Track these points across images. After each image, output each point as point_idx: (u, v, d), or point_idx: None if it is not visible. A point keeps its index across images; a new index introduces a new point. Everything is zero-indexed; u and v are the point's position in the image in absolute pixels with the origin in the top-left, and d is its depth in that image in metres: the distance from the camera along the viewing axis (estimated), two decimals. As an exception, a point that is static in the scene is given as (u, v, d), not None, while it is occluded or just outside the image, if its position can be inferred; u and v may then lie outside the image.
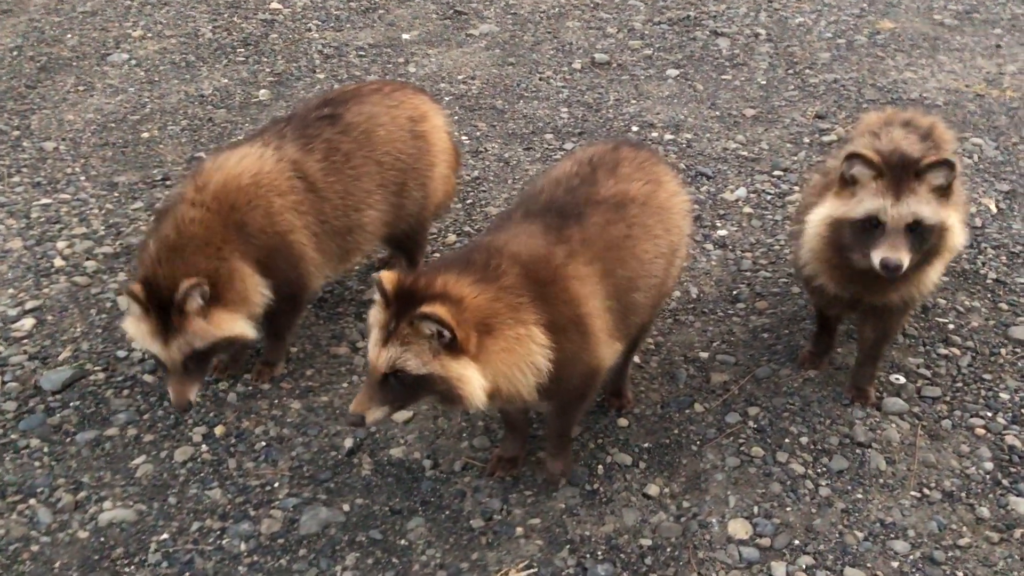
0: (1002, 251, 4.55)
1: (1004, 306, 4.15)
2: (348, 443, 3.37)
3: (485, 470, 3.33)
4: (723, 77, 6.60)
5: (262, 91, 6.37)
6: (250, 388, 3.62)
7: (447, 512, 3.11)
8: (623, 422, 3.50)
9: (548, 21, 7.56)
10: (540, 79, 6.57)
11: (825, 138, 5.69)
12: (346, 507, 3.12)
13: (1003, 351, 3.87)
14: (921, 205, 3.10)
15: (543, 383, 2.85)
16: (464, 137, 5.80)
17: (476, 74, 6.64)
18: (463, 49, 7.07)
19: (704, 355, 3.88)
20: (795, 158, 5.51)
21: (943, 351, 3.87)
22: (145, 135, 5.78)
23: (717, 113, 6.09)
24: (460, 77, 6.60)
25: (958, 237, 3.21)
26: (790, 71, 6.63)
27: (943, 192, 3.14)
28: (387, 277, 2.75)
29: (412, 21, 7.55)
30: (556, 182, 3.25)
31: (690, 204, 3.62)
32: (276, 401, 3.57)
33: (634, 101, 6.26)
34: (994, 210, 4.94)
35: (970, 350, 3.88)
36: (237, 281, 3.32)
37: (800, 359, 3.82)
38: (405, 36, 7.33)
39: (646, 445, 3.42)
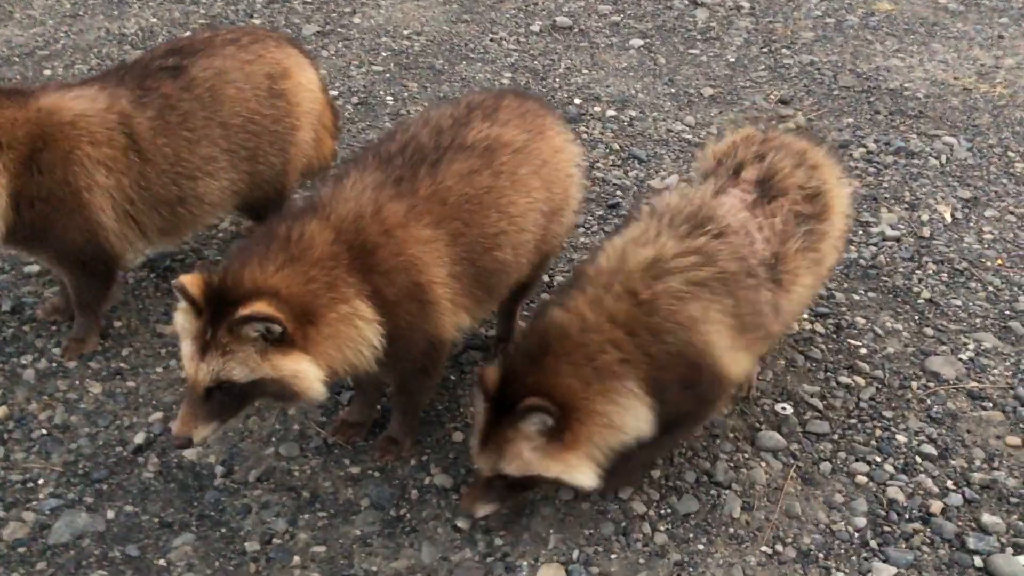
0: (944, 267, 4.04)
1: (929, 332, 3.66)
2: (139, 439, 2.97)
3: (328, 433, 3.05)
4: (690, 51, 6.08)
5: (187, 34, 5.91)
6: (54, 365, 3.22)
7: (223, 530, 2.72)
8: (458, 436, 3.07)
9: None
10: (491, 40, 6.09)
11: (782, 125, 5.15)
12: (111, 514, 2.74)
13: (914, 384, 3.40)
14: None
15: (380, 356, 2.56)
16: (389, 97, 5.35)
17: (424, 30, 6.16)
18: (417, 2, 6.57)
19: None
20: (743, 145, 4.99)
21: (845, 379, 3.40)
22: (47, 72, 5.37)
23: (672, 90, 5.58)
24: (406, 32, 6.13)
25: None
26: (765, 49, 6.08)
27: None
28: (190, 281, 2.40)
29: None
30: (425, 123, 2.91)
31: (579, 162, 3.23)
32: (76, 382, 3.19)
33: (586, 71, 5.76)
34: (948, 219, 4.42)
35: (877, 381, 3.41)
36: None
37: None
38: (358, -16, 6.82)
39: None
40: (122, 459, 2.95)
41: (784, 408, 3.28)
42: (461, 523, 2.75)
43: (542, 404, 2.40)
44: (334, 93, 5.38)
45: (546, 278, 3.79)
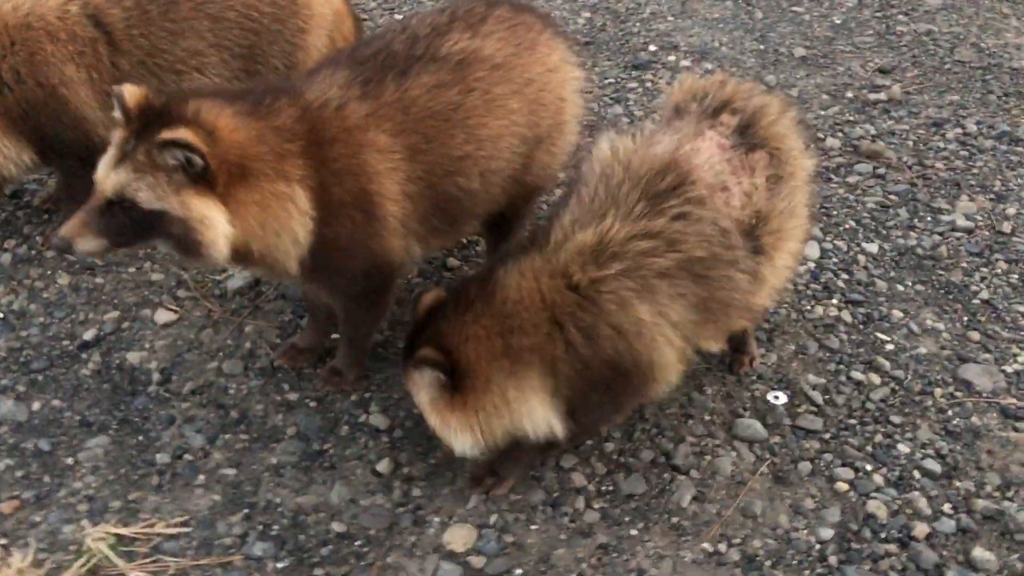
0: (1018, 268, 3.55)
1: (975, 336, 3.21)
2: (88, 335, 2.91)
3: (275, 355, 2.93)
4: (794, 8, 5.59)
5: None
6: (33, 252, 3.20)
7: (140, 438, 2.64)
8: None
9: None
10: (582, -22, 5.75)
11: (873, 96, 4.67)
12: (36, 406, 2.69)
13: (938, 392, 2.98)
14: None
15: (307, 260, 2.40)
16: (454, 27, 5.10)
17: (514, -38, 5.86)
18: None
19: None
20: (822, 113, 4.54)
21: (859, 375, 3.02)
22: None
23: (762, 47, 5.13)
24: (493, -37, 5.84)
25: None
26: (879, 13, 5.52)
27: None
28: (129, 91, 2.30)
29: None
30: (403, 29, 2.71)
31: (579, 86, 2.98)
32: (48, 272, 3.16)
33: (672, 18, 5.38)
34: (1035, 218, 3.87)
35: (895, 381, 3.01)
36: None
37: None
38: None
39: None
40: (65, 353, 2.90)
41: (777, 397, 2.93)
42: (381, 467, 2.56)
43: (435, 359, 2.23)
44: (399, 16, 5.19)
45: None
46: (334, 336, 3.00)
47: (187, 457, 2.61)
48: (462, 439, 2.29)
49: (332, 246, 2.46)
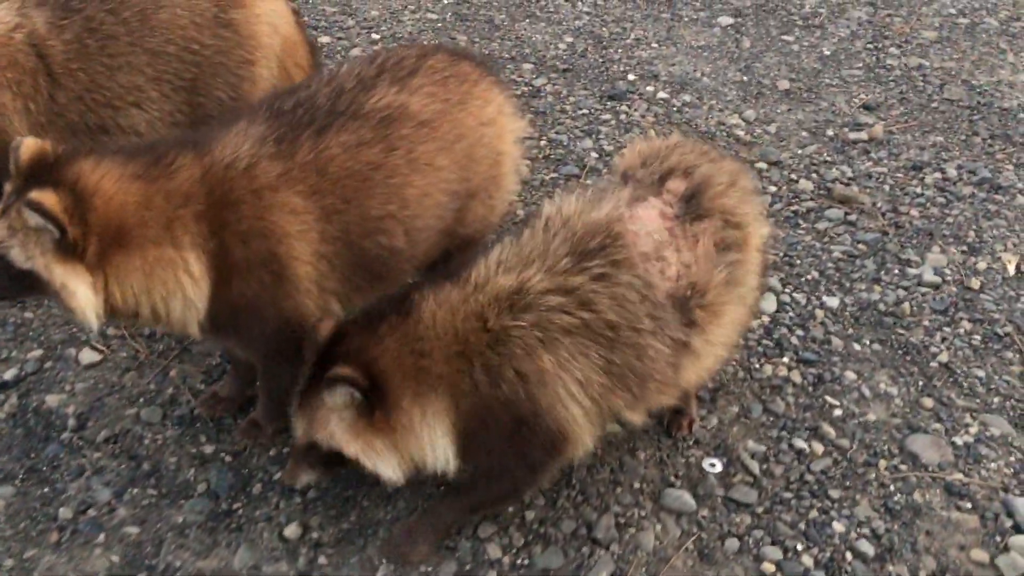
0: (982, 328, 3.42)
1: (928, 403, 3.10)
2: (8, 375, 2.84)
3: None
4: (783, 37, 5.46)
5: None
6: None
7: (46, 489, 2.56)
8: (330, 432, 2.78)
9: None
10: None
11: (853, 135, 4.54)
12: (-57, 451, 2.61)
13: (883, 464, 2.87)
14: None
15: (210, 320, 2.35)
16: (431, 49, 5.00)
17: (500, -20, 5.77)
18: (505, -50, 6.17)
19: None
20: (798, 152, 4.42)
21: (801, 443, 2.91)
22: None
23: (745, 79, 5.01)
24: (481, -20, 5.75)
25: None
26: (870, 45, 5.39)
27: None
28: (28, 144, 2.24)
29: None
30: (329, 80, 2.63)
31: (518, 137, 2.90)
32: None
33: (656, 45, 5.26)
34: (1011, 271, 3.75)
35: (839, 451, 2.90)
36: None
37: None
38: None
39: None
40: (-18, 394, 2.82)
41: (713, 465, 2.83)
42: (289, 532, 2.48)
43: (351, 376, 2.09)
44: (376, 36, 5.11)
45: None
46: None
47: (91, 512, 2.54)
48: (388, 462, 2.21)
49: (239, 307, 2.40)
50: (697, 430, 2.94)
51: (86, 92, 3.07)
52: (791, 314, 3.45)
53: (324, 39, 5.01)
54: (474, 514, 2.54)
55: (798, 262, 3.71)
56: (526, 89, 4.74)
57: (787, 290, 3.56)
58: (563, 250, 2.25)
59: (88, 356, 3.00)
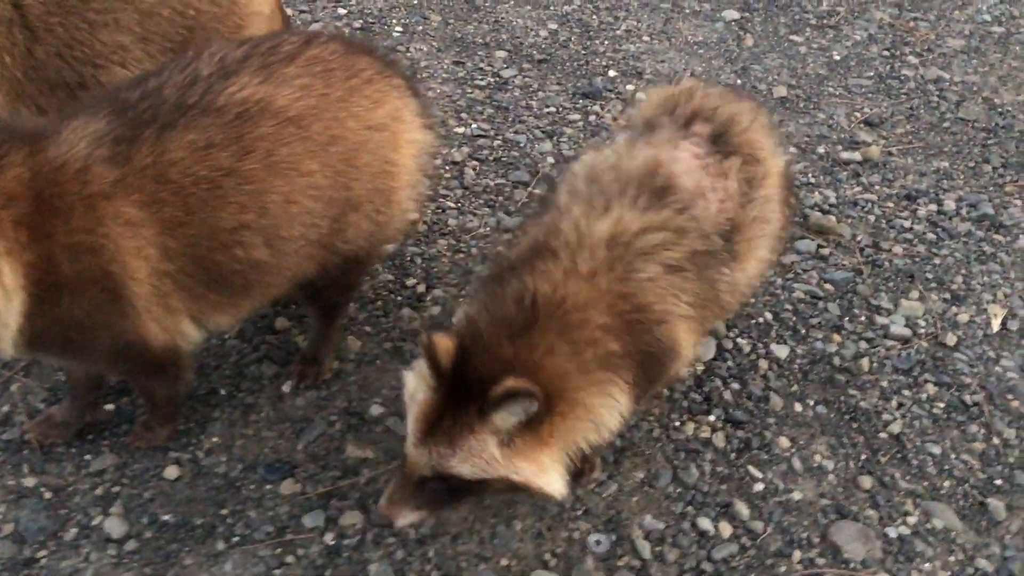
0: (947, 394, 3.01)
1: (866, 483, 2.74)
2: None
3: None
4: (792, 37, 4.99)
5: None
6: None
7: None
8: (171, 472, 2.48)
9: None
10: (562, -19, 5.22)
11: (846, 154, 4.10)
12: None
13: (796, 555, 2.56)
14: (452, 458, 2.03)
15: (31, 339, 2.11)
16: (399, 28, 4.67)
17: (492, -46, 5.35)
18: (505, -77, 5.74)
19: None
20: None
21: (706, 523, 2.59)
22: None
23: (739, 82, 4.57)
24: (470, -48, 5.34)
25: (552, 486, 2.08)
26: (887, 52, 4.90)
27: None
28: None
29: None
30: (185, 66, 2.31)
31: (419, 149, 2.58)
32: None
33: (648, 38, 4.83)
34: (995, 327, 3.32)
35: (749, 536, 2.57)
36: None
37: None
38: None
39: (166, 518, 2.41)
40: None
41: (599, 542, 2.48)
42: None
43: (528, 388, 1.89)
44: (343, 11, 4.75)
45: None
46: (108, 407, 2.62)
47: None
48: (557, 474, 2.05)
49: (70, 327, 2.15)
50: (598, 476, 2.58)
51: (66, 48, 2.83)
52: (730, 363, 3.07)
53: (288, 11, 4.65)
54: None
55: (752, 301, 3.30)
56: (492, 80, 4.36)
57: (731, 334, 3.17)
58: (631, 188, 2.23)
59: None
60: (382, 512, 2.10)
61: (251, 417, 2.72)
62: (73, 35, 2.86)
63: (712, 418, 2.87)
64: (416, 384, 2.04)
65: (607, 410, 2.08)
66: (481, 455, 1.96)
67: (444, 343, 1.95)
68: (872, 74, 4.75)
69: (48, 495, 2.45)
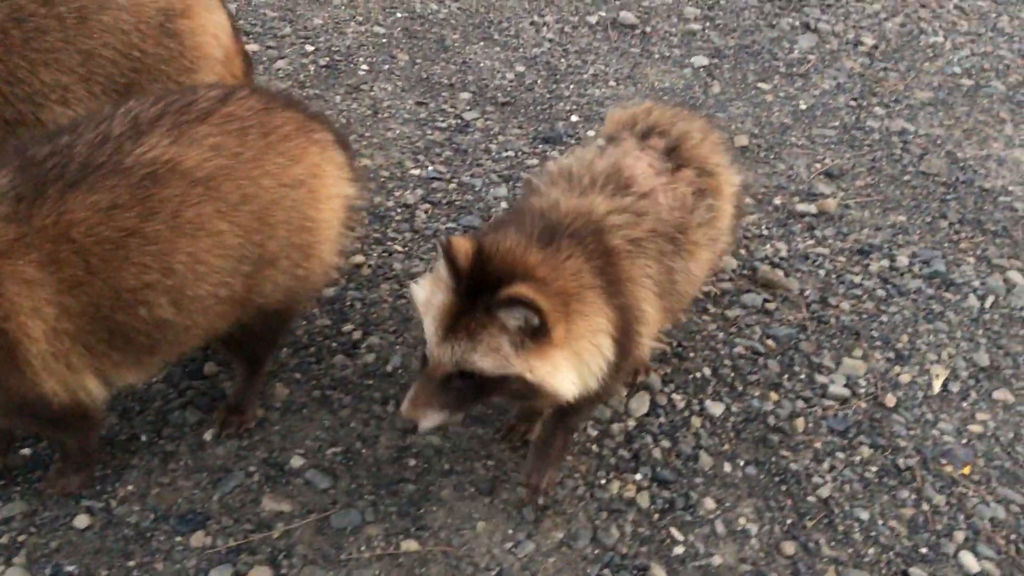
0: (881, 457, 3.00)
1: (789, 548, 2.70)
2: None
3: None
4: (759, 85, 5.00)
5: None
6: None
7: None
8: (82, 521, 2.47)
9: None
10: (532, 23, 5.27)
11: (802, 207, 4.09)
12: None
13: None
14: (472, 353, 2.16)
15: None
16: (364, 67, 4.69)
17: (466, -6, 5.39)
18: (481, -38, 5.80)
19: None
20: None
21: (621, 587, 2.51)
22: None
23: (701, 129, 4.53)
24: (441, -8, 5.37)
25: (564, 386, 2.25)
26: (853, 102, 4.91)
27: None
28: None
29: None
30: (98, 124, 2.33)
31: (343, 203, 2.63)
32: None
33: (614, 83, 4.85)
34: (936, 389, 3.30)
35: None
36: None
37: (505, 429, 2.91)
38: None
39: (70, 569, 2.39)
40: None
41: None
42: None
43: (529, 298, 2.06)
44: (310, 48, 4.78)
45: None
46: (24, 452, 2.61)
47: None
48: (568, 375, 2.21)
49: None
50: (505, 559, 2.55)
51: (5, 84, 2.86)
52: (662, 420, 3.05)
53: (253, 47, 4.69)
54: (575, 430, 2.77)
55: (691, 355, 3.29)
56: (454, 123, 4.37)
57: (667, 389, 3.16)
58: (599, 180, 2.51)
59: None
60: (405, 416, 2.17)
61: (169, 465, 2.70)
62: (13, 72, 2.89)
63: (639, 476, 2.85)
64: (431, 289, 2.18)
65: (598, 342, 2.26)
66: (499, 351, 2.10)
67: (463, 244, 2.11)
68: (837, 124, 4.76)
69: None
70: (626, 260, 2.41)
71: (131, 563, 2.47)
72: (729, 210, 2.85)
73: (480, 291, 2.09)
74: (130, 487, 2.65)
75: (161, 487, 2.66)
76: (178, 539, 2.54)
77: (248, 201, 2.31)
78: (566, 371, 2.20)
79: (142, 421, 2.83)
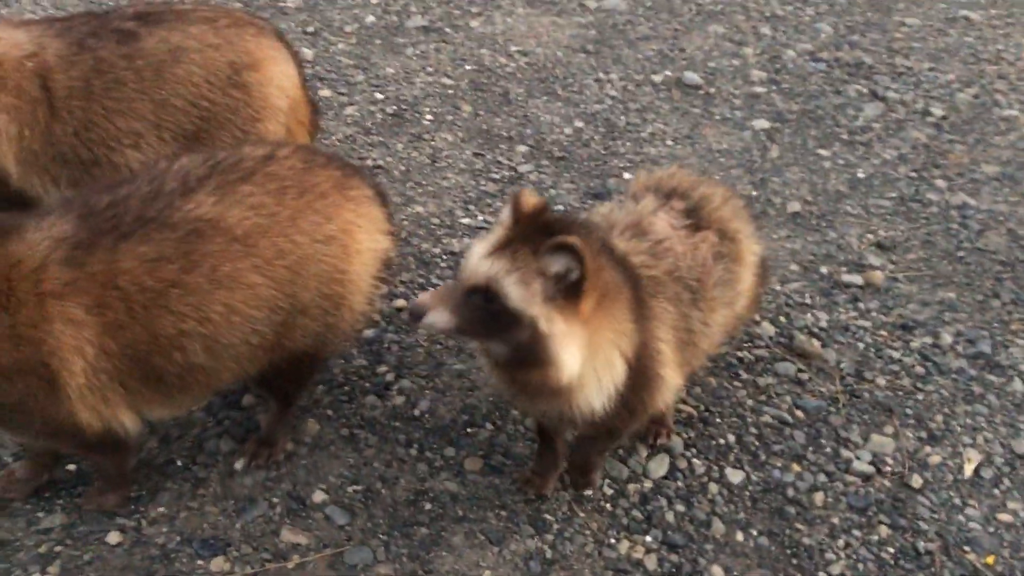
0: (900, 539, 2.99)
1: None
2: None
3: None
4: (819, 151, 5.04)
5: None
6: None
7: None
8: (113, 537, 2.65)
9: (692, 13, 6.21)
10: (596, 80, 5.41)
11: (848, 277, 4.11)
12: None
13: None
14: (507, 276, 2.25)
15: None
16: (429, 117, 4.89)
17: (535, 50, 5.58)
18: (556, 18, 5.99)
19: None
20: (778, 288, 4.03)
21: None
22: None
23: (754, 193, 4.64)
24: (513, 48, 5.59)
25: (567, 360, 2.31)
26: (915, 173, 4.90)
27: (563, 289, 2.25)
28: None
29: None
30: (152, 179, 2.53)
31: (376, 257, 2.77)
32: None
33: (671, 143, 4.95)
34: (967, 474, 3.28)
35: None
36: None
37: (521, 481, 2.97)
38: (512, -16, 6.34)
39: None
40: None
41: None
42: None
43: (577, 247, 2.16)
44: (380, 96, 5.00)
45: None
46: (69, 467, 2.81)
47: None
48: (578, 350, 2.28)
49: (5, 407, 2.37)
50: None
51: (83, 129, 3.16)
52: (679, 483, 3.10)
53: (326, 92, 4.93)
54: (600, 456, 2.94)
55: (717, 421, 3.33)
56: (508, 175, 4.51)
57: (688, 453, 3.20)
58: (619, 228, 2.67)
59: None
60: (420, 301, 2.28)
61: (199, 490, 2.86)
62: (91, 118, 3.17)
63: (649, 539, 2.89)
64: (492, 232, 2.33)
65: (614, 357, 2.37)
66: (528, 287, 2.20)
67: (531, 197, 2.31)
68: (895, 195, 4.74)
69: (-7, 549, 2.62)
70: (647, 296, 2.51)
71: (153, 582, 2.62)
72: (748, 277, 2.93)
73: (534, 237, 2.23)
74: (161, 509, 2.81)
75: (189, 511, 2.81)
76: (199, 562, 2.68)
77: (283, 256, 2.48)
78: (575, 348, 2.26)
79: (179, 447, 3.00)
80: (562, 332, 2.23)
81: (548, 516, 2.93)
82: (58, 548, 2.67)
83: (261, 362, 2.60)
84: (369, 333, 3.47)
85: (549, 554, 2.79)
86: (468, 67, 5.36)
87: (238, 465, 2.94)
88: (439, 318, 2.28)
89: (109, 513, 2.76)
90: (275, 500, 2.87)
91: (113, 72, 3.22)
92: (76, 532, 2.73)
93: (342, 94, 5.00)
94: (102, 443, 2.51)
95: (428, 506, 2.91)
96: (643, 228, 2.68)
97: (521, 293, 2.21)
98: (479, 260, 2.26)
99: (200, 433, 3.05)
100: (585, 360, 2.31)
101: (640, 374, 2.47)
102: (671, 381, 2.62)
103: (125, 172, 3.28)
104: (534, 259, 2.21)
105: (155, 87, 3.26)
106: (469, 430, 3.20)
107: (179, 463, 2.95)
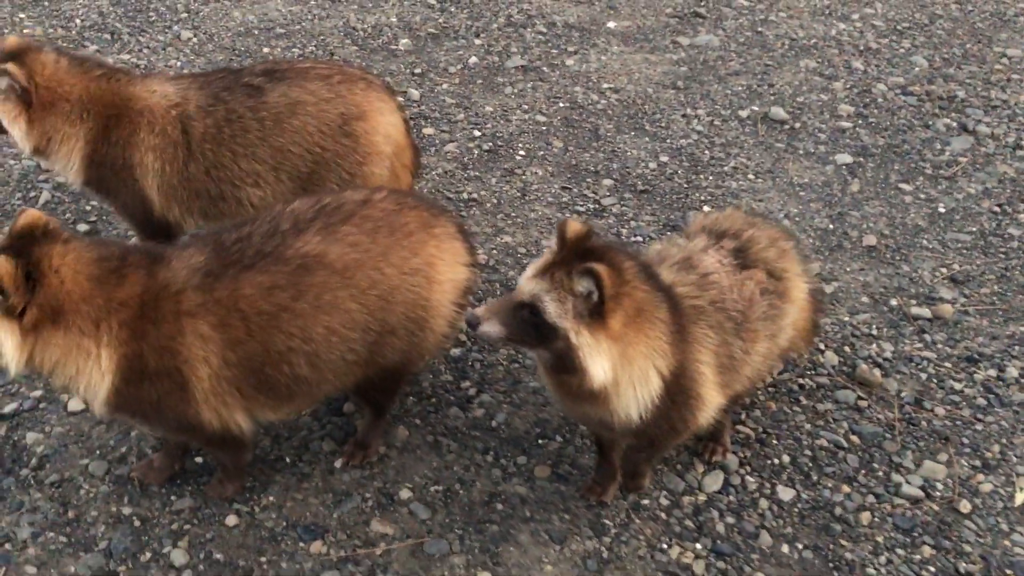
0: (943, 559, 3.20)
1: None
2: (8, 408, 3.43)
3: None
4: (900, 185, 5.22)
5: (404, 41, 6.31)
6: None
7: (-14, 515, 3.08)
8: (231, 520, 3.15)
9: (784, 49, 6.46)
10: (684, 115, 5.73)
11: (917, 309, 4.30)
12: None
13: None
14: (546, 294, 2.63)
15: (113, 406, 2.80)
16: (522, 152, 5.31)
17: (626, 87, 5.95)
18: (649, 55, 6.35)
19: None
20: (845, 319, 4.26)
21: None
22: (265, 50, 6.04)
23: (831, 227, 4.87)
24: (605, 85, 5.97)
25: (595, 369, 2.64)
26: (999, 207, 5.02)
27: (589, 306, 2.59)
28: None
29: (634, 10, 6.92)
30: (271, 219, 2.99)
31: (457, 287, 3.18)
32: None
33: (753, 176, 5.22)
34: (1018, 501, 3.46)
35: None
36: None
37: (584, 488, 3.27)
38: (610, 24, 6.74)
39: (218, 556, 3.06)
40: (-18, 420, 3.41)
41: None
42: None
43: (597, 273, 2.50)
44: (478, 133, 5.44)
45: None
46: (197, 459, 3.31)
47: (7, 547, 3.01)
48: (606, 362, 2.60)
49: (144, 403, 2.82)
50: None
51: (213, 168, 3.73)
52: (731, 498, 3.38)
53: (429, 130, 5.40)
54: (646, 464, 3.26)
55: (773, 443, 3.60)
56: (592, 207, 4.87)
57: (742, 471, 3.48)
58: (669, 262, 3.01)
59: (74, 404, 3.52)
60: (476, 312, 2.66)
61: (304, 484, 3.32)
62: (220, 160, 3.73)
63: (699, 546, 3.19)
64: (542, 255, 2.69)
65: (649, 372, 2.68)
66: (562, 304, 2.55)
67: (576, 225, 2.63)
68: (975, 229, 4.86)
69: (137, 523, 3.13)
70: (688, 322, 2.79)
71: (263, 559, 3.08)
72: (794, 312, 3.18)
73: (573, 260, 2.57)
74: (271, 498, 3.28)
75: (295, 501, 3.27)
76: (301, 544, 3.13)
77: (375, 286, 2.91)
78: (604, 359, 2.56)
79: (288, 446, 3.48)
80: (588, 344, 2.55)
81: (607, 521, 3.25)
82: (187, 526, 3.16)
83: (356, 376, 3.03)
84: (455, 352, 3.87)
85: (605, 555, 3.12)
86: (561, 104, 5.74)
87: (337, 464, 3.38)
88: (491, 328, 2.65)
89: (228, 500, 3.23)
90: (367, 495, 3.29)
91: (241, 121, 3.75)
92: (201, 514, 3.21)
93: (444, 131, 5.45)
94: (222, 439, 2.98)
95: (500, 506, 3.29)
96: (692, 263, 2.97)
97: (557, 309, 2.56)
98: (527, 280, 2.62)
99: (306, 435, 3.51)
100: (619, 371, 2.62)
101: (679, 391, 2.77)
102: (711, 400, 2.90)
103: (247, 206, 3.82)
104: (569, 280, 2.55)
105: (275, 135, 3.76)
106: (540, 441, 3.56)
107: (287, 460, 3.41)
